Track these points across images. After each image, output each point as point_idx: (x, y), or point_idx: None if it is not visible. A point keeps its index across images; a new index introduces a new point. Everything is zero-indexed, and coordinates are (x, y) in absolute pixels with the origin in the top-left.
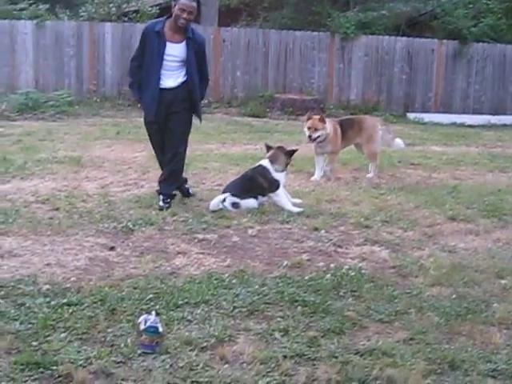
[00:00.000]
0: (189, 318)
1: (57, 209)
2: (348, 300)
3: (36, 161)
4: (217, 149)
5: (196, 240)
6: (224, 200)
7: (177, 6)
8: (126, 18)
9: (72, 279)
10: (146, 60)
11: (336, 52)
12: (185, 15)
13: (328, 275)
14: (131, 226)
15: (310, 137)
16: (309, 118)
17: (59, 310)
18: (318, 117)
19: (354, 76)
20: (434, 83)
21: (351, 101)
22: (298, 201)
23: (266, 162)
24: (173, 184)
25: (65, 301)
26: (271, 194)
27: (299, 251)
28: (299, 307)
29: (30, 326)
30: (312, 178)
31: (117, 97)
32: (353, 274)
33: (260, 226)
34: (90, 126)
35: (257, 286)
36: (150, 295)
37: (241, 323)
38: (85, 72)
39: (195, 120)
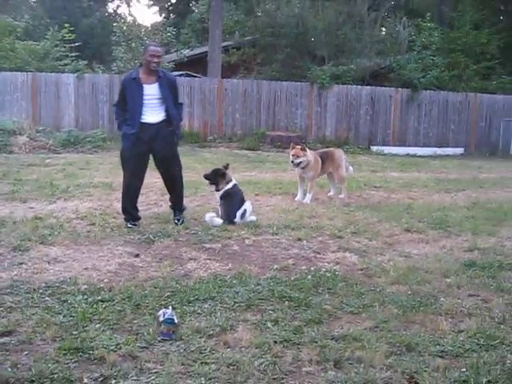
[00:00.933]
0: (198, 311)
1: (93, 224)
2: (325, 296)
3: (76, 185)
4: None
5: (204, 248)
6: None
7: (148, 53)
8: None
9: (105, 280)
10: (130, 103)
11: (314, 98)
12: (155, 59)
13: (309, 276)
14: (152, 238)
15: (292, 162)
16: (292, 148)
17: (94, 306)
18: (299, 146)
19: (329, 117)
20: (392, 122)
21: (327, 136)
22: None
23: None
24: (182, 201)
25: (99, 298)
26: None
27: (286, 257)
28: (286, 302)
29: (71, 318)
30: (296, 199)
31: None
32: (329, 275)
33: (255, 237)
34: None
35: (252, 285)
36: (168, 293)
37: (240, 315)
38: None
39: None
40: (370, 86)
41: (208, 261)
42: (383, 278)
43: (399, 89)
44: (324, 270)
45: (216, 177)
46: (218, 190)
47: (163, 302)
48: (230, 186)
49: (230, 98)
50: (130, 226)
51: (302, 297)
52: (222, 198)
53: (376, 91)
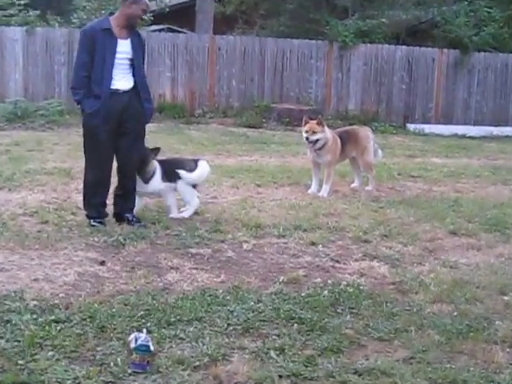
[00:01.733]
0: (181, 335)
1: (45, 222)
2: (346, 317)
3: (24, 172)
4: (211, 160)
5: (189, 255)
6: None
7: (138, 6)
8: None
9: (60, 295)
10: (98, 62)
11: (334, 61)
12: (144, 15)
13: (325, 291)
14: (122, 240)
15: (307, 139)
16: (306, 122)
17: (47, 328)
18: (315, 120)
19: (353, 86)
20: (435, 93)
21: (350, 111)
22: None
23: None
24: (134, 199)
25: (53, 317)
26: None
27: (296, 266)
28: (295, 325)
29: (16, 343)
30: (309, 191)
31: None
32: (351, 290)
33: (255, 240)
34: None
35: (252, 303)
36: (141, 312)
37: (235, 341)
38: None
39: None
40: (407, 46)
41: (194, 270)
42: (421, 295)
43: (444, 50)
44: (345, 283)
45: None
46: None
47: (135, 324)
48: None
49: (225, 60)
50: (94, 224)
51: (315, 318)
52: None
53: (414, 52)
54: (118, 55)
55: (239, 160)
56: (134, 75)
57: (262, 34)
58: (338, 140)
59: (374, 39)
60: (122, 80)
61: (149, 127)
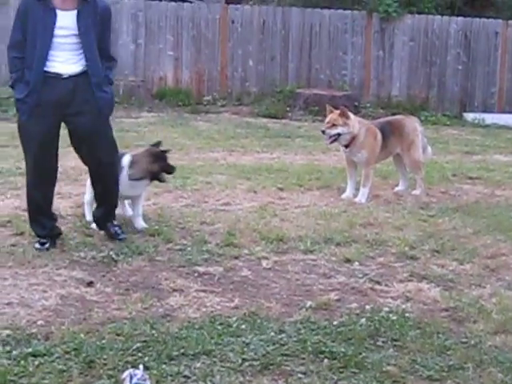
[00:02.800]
0: (186, 373)
1: (21, 233)
2: (388, 351)
3: None
4: (223, 158)
5: (196, 274)
6: None
7: None
8: None
9: (39, 323)
10: (30, 40)
11: (374, 36)
12: None
13: (363, 320)
14: (114, 256)
15: (323, 132)
16: (329, 112)
17: (22, 362)
18: (338, 111)
19: (397, 66)
20: (499, 76)
21: (393, 97)
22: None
23: (127, 159)
24: (114, 209)
25: (30, 350)
26: None
27: (326, 289)
28: (326, 360)
29: None
30: (343, 196)
31: None
32: (394, 318)
33: (277, 256)
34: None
35: (272, 334)
36: (137, 344)
37: (252, 380)
38: None
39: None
40: (464, 17)
41: (202, 293)
42: (481, 324)
43: (510, 21)
44: (387, 309)
45: None
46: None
47: (130, 359)
48: None
49: (240, 36)
50: (37, 247)
51: (350, 352)
52: None
53: (473, 25)
54: (58, 31)
55: (257, 158)
56: (85, 56)
57: (285, 2)
58: (379, 133)
59: (422, 9)
60: (65, 62)
61: (147, 117)
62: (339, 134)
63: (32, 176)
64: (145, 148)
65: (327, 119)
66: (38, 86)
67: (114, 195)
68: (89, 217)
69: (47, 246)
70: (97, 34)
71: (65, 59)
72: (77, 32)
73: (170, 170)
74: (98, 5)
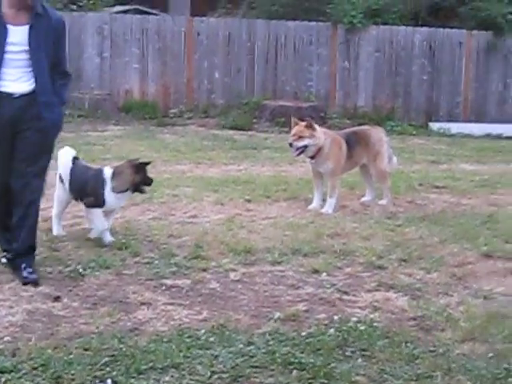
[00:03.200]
0: None
1: None
2: (357, 361)
3: None
4: (190, 170)
5: (164, 287)
6: None
7: None
8: (74, 6)
9: (5, 339)
10: None
11: (339, 47)
12: None
13: (331, 330)
14: (81, 271)
15: (291, 145)
16: (294, 124)
17: None
18: (304, 123)
19: (363, 77)
20: (463, 85)
21: (359, 108)
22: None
23: (108, 172)
24: (35, 238)
25: None
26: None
27: (294, 300)
28: (295, 371)
29: None
30: (310, 207)
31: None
32: (363, 328)
33: (245, 268)
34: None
35: (241, 346)
36: (106, 358)
37: None
38: None
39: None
40: (428, 28)
41: (170, 306)
42: (449, 333)
43: (474, 31)
44: (355, 319)
45: None
46: None
47: (98, 373)
48: None
49: (206, 48)
50: (3, 261)
51: (319, 363)
52: None
53: (437, 35)
54: (10, 47)
55: (224, 170)
56: (35, 74)
57: (251, 14)
58: (344, 144)
59: (387, 20)
60: (16, 81)
61: (113, 131)
62: (306, 146)
63: None
64: (125, 160)
65: (293, 131)
66: None
67: (35, 224)
68: (56, 231)
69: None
70: (50, 49)
71: (16, 77)
72: (27, 48)
73: (149, 181)
74: (51, 18)
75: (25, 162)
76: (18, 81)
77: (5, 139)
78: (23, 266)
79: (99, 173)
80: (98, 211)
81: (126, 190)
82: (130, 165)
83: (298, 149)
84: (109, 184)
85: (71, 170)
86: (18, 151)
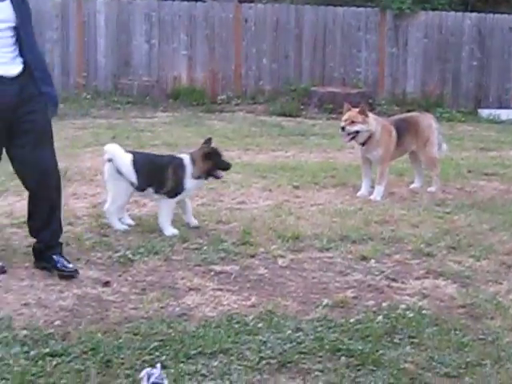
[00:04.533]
0: (203, 371)
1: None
2: (405, 349)
3: (10, 173)
4: (238, 157)
5: (212, 273)
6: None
7: None
8: None
9: (56, 323)
10: None
11: (388, 33)
12: None
13: (379, 317)
14: (130, 256)
15: (343, 129)
16: (347, 110)
17: (40, 362)
18: (357, 109)
19: (411, 63)
20: None
21: (408, 94)
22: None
23: (187, 158)
24: (61, 231)
25: (47, 350)
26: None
27: (343, 286)
28: (343, 358)
29: (2, 382)
30: (358, 193)
31: (112, 92)
32: (411, 315)
33: (293, 254)
34: (78, 128)
35: (289, 332)
36: (155, 343)
37: (269, 378)
38: (72, 61)
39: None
40: (478, 13)
41: (219, 292)
42: (498, 321)
43: None
44: (403, 307)
45: None
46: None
47: (147, 358)
48: None
49: (254, 34)
50: None
51: (367, 350)
52: None
53: (487, 21)
54: None
55: (272, 156)
56: (21, 52)
57: (299, 1)
58: (393, 130)
59: (436, 5)
60: (7, 63)
61: (161, 117)
62: (358, 132)
63: None
64: (200, 146)
65: (346, 116)
66: None
67: (58, 213)
68: (119, 226)
69: None
70: (30, 21)
71: (8, 58)
72: (13, 23)
73: (225, 166)
74: None
75: (37, 149)
76: (5, 63)
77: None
78: (56, 258)
79: (177, 160)
80: (171, 201)
81: (203, 175)
82: (203, 151)
83: (349, 134)
84: (189, 170)
85: (133, 161)
86: (25, 139)
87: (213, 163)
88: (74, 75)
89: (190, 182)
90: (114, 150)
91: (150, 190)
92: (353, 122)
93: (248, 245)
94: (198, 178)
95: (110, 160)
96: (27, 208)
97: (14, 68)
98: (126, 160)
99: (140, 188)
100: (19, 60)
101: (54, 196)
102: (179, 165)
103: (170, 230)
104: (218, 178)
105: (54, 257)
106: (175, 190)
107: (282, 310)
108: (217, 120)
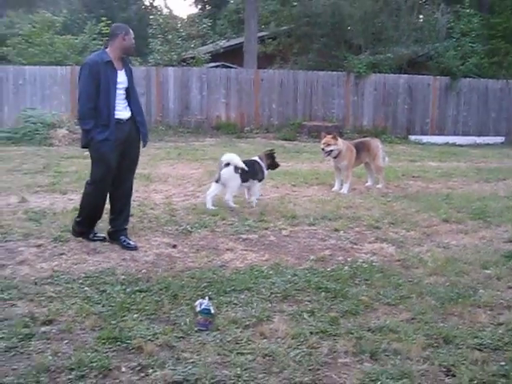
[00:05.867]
0: (235, 302)
1: (131, 215)
2: (362, 287)
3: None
4: None
5: (241, 239)
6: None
7: (129, 36)
8: (184, 63)
9: (143, 271)
10: (103, 94)
11: (351, 87)
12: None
13: (346, 267)
14: (189, 229)
15: (323, 149)
16: (323, 136)
17: (133, 296)
18: (331, 135)
19: (366, 106)
20: (430, 111)
21: (364, 126)
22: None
23: (259, 159)
24: (128, 218)
25: (137, 288)
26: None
27: (323, 248)
28: (323, 293)
29: (110, 308)
30: (333, 189)
31: (178, 125)
32: (366, 266)
33: (292, 227)
34: (156, 149)
35: (289, 276)
36: (205, 284)
37: (276, 306)
38: (153, 106)
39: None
40: (408, 75)
41: (244, 251)
42: (421, 269)
43: (437, 77)
44: (361, 260)
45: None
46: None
47: (200, 293)
48: None
49: (267, 89)
50: (98, 238)
51: (338, 288)
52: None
53: (414, 80)
54: (118, 85)
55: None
56: (129, 103)
57: (295, 67)
58: (354, 149)
59: (382, 70)
60: (123, 110)
61: (209, 141)
62: (332, 150)
63: (100, 197)
64: (263, 152)
65: (323, 141)
66: (114, 127)
67: (129, 211)
68: (209, 205)
69: (102, 236)
70: (133, 84)
71: (121, 107)
72: (126, 85)
73: (278, 164)
74: (129, 64)
75: (131, 171)
76: (123, 110)
77: (118, 156)
78: (123, 238)
79: (257, 161)
80: (259, 184)
81: (269, 169)
82: (267, 155)
83: (326, 152)
84: (265, 165)
85: (244, 162)
86: (126, 163)
87: (272, 160)
88: (154, 115)
89: (266, 172)
90: (232, 157)
91: (250, 179)
92: (328, 145)
93: (263, 221)
94: (267, 169)
95: (227, 164)
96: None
97: (126, 114)
98: (241, 162)
99: (244, 180)
100: (128, 109)
101: (129, 197)
102: (260, 163)
103: (254, 202)
104: (274, 169)
105: (122, 237)
106: (261, 178)
107: (285, 262)
108: (243, 143)
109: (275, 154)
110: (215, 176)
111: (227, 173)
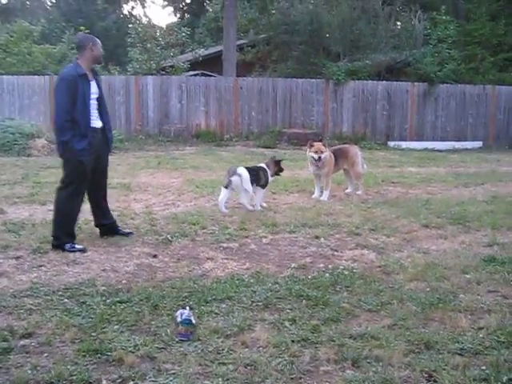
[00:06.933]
0: (216, 311)
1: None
2: (343, 294)
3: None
4: None
5: (221, 248)
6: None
7: (97, 47)
8: (163, 72)
9: (123, 281)
10: (80, 105)
11: (330, 94)
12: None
13: (327, 274)
14: (170, 238)
15: (316, 158)
16: (312, 145)
17: (113, 307)
18: (321, 142)
19: (345, 113)
20: (409, 117)
21: (343, 133)
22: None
23: (265, 165)
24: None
25: (117, 299)
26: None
27: (304, 255)
28: (304, 301)
29: (90, 320)
30: (313, 196)
31: (158, 134)
32: (346, 272)
33: (272, 235)
34: (136, 158)
35: (270, 284)
36: (185, 293)
37: (257, 315)
38: (132, 115)
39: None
40: (386, 81)
41: (225, 260)
42: (401, 275)
43: (415, 83)
44: (342, 267)
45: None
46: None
47: (181, 303)
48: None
49: (246, 97)
50: (76, 249)
51: (319, 295)
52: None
53: (392, 86)
54: (91, 96)
55: None
56: (100, 112)
57: (274, 75)
58: (333, 156)
59: (360, 76)
60: (96, 119)
61: (189, 150)
62: (325, 156)
63: (76, 205)
64: (269, 159)
65: (315, 149)
66: (91, 137)
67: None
68: (222, 209)
69: (81, 248)
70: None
71: (95, 117)
72: (97, 95)
73: (282, 170)
74: (98, 73)
75: (104, 174)
76: (96, 119)
77: (93, 162)
78: (120, 229)
79: (263, 167)
80: (263, 191)
81: (273, 175)
82: (273, 161)
83: (321, 160)
84: (269, 172)
85: (249, 168)
86: (100, 168)
87: (279, 168)
88: (133, 124)
89: (270, 178)
90: (242, 170)
91: (255, 184)
92: (322, 152)
93: (244, 230)
94: (272, 176)
95: (239, 175)
96: (90, 206)
97: (99, 122)
98: (245, 173)
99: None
100: (99, 118)
101: (105, 194)
102: (265, 170)
103: (258, 207)
104: (279, 175)
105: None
106: (265, 184)
107: (266, 270)
108: (223, 151)
109: (282, 161)
110: (224, 182)
111: (244, 180)
